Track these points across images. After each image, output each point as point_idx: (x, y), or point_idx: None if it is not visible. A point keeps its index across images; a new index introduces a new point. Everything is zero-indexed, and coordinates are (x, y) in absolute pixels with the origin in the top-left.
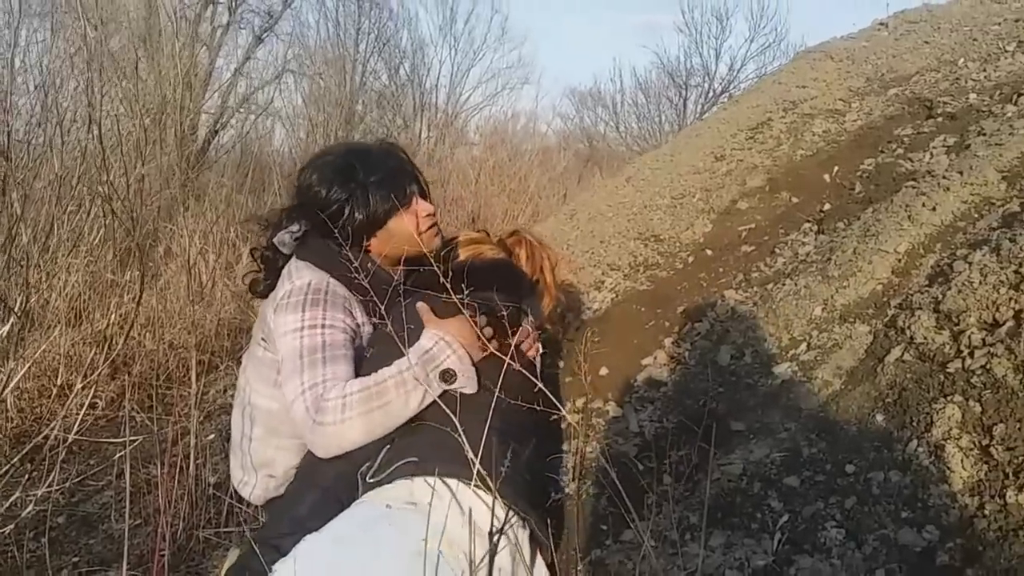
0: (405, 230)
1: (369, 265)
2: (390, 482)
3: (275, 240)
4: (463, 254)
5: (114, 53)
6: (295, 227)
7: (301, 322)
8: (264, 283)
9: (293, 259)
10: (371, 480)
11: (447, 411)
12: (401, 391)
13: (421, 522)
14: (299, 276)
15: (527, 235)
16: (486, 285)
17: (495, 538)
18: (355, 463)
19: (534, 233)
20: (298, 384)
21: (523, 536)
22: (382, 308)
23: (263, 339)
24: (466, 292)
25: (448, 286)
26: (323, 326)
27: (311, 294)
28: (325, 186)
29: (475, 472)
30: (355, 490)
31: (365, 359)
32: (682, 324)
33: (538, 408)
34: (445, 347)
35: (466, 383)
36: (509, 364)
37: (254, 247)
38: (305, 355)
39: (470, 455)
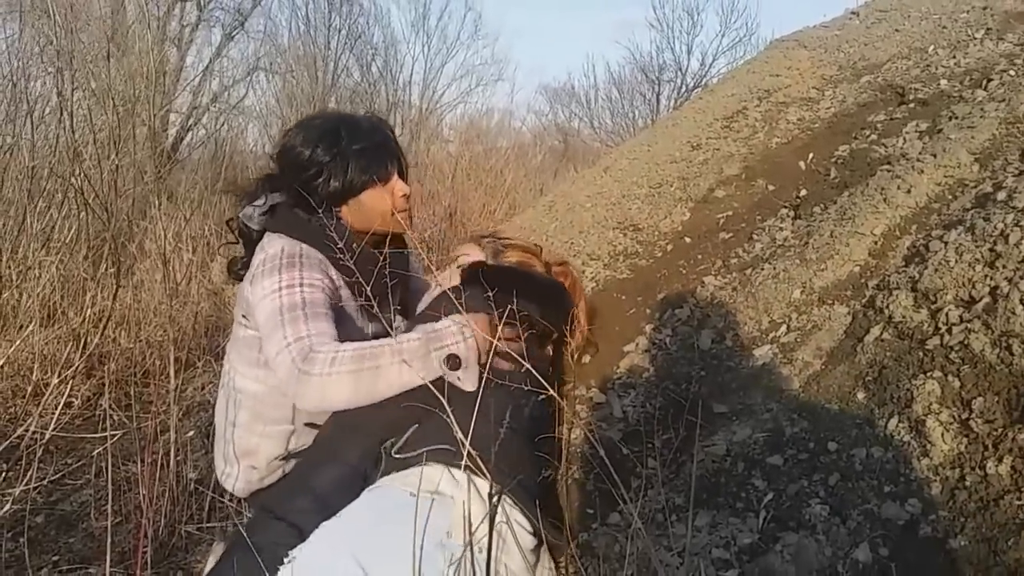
0: (378, 205)
1: (344, 232)
2: (416, 464)
3: (241, 214)
4: (513, 257)
5: (83, 47)
6: (261, 200)
7: (279, 284)
8: (241, 261)
9: (265, 233)
10: (396, 455)
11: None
12: (396, 359)
13: (444, 514)
14: (271, 246)
15: (574, 271)
16: (537, 297)
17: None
18: (380, 439)
19: (576, 271)
20: (281, 338)
21: (544, 554)
22: (352, 265)
23: (243, 316)
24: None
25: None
26: (301, 285)
27: (285, 258)
28: (308, 147)
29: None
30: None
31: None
32: (663, 311)
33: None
34: (457, 332)
35: (466, 377)
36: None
37: (230, 218)
38: (285, 312)
39: (472, 455)
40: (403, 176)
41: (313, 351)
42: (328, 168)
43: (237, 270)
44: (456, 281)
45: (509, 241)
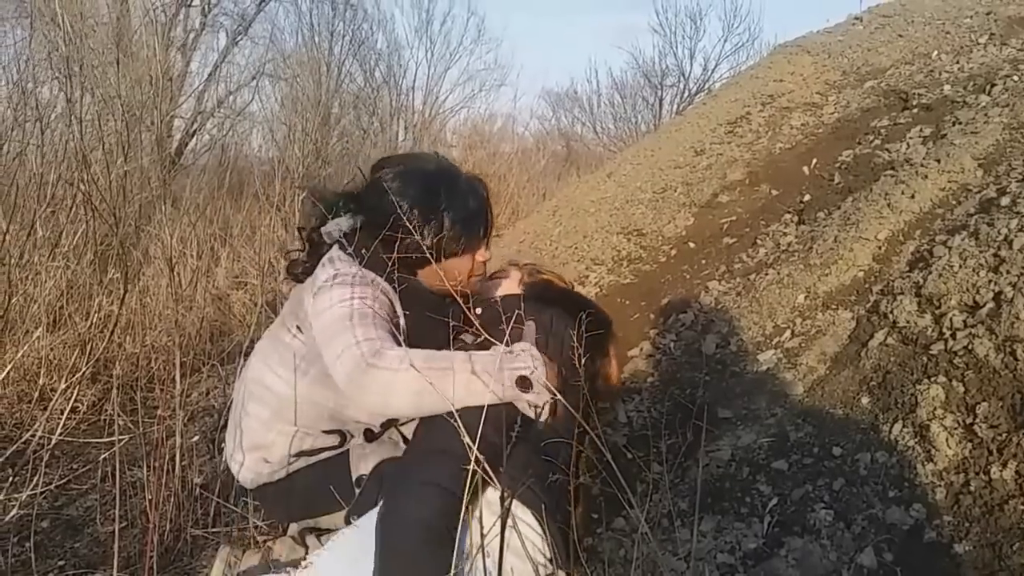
0: (459, 271)
1: (420, 288)
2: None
3: (324, 230)
4: (548, 277)
5: (91, 53)
6: (346, 224)
7: (352, 295)
8: (304, 265)
9: (335, 248)
10: None
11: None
12: (466, 367)
13: (464, 538)
14: (344, 266)
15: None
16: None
17: None
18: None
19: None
20: (351, 337)
21: None
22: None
23: (298, 327)
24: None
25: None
26: (375, 299)
27: (360, 278)
28: (406, 201)
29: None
30: None
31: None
32: (667, 316)
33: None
34: (531, 358)
35: (539, 401)
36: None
37: (302, 226)
38: (356, 317)
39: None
40: (488, 239)
41: (383, 348)
42: (420, 230)
43: (297, 272)
44: (509, 289)
45: (541, 267)
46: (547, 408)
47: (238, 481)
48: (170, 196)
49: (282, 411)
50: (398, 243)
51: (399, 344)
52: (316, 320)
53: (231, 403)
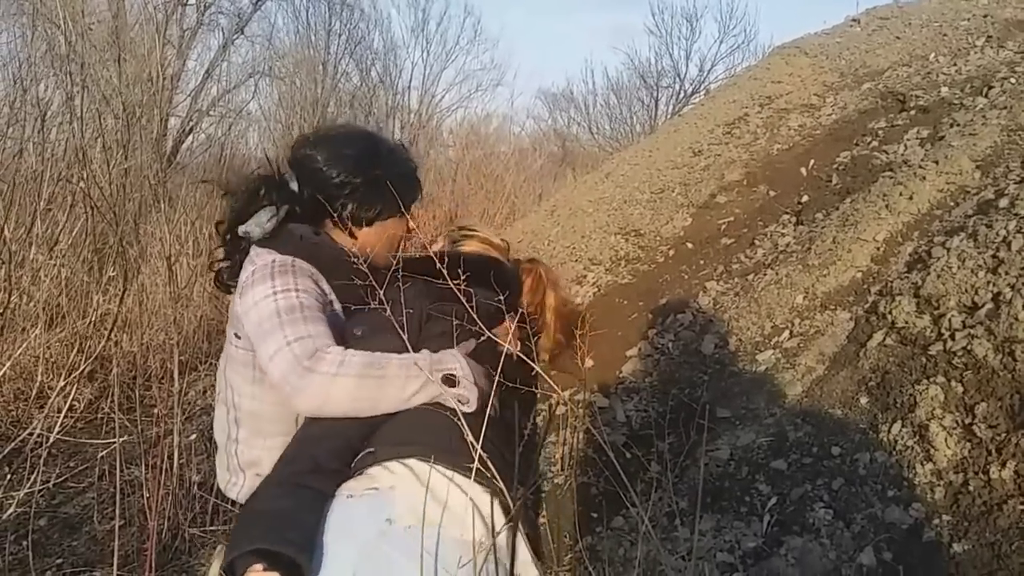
0: (395, 233)
1: (340, 252)
2: (361, 469)
3: (240, 230)
4: (471, 247)
5: (91, 50)
6: (265, 217)
7: (272, 289)
8: (230, 271)
9: (252, 247)
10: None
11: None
12: (402, 371)
13: (383, 504)
14: (260, 258)
15: (542, 268)
16: (475, 279)
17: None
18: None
19: (552, 271)
20: (280, 338)
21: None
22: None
23: (236, 335)
24: (462, 280)
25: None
26: (296, 290)
27: (277, 267)
28: (337, 167)
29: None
30: None
31: (355, 337)
32: (665, 316)
33: (522, 388)
34: (454, 358)
35: (467, 394)
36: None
37: (219, 220)
38: (283, 314)
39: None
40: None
41: (320, 351)
42: (360, 191)
43: (225, 280)
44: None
45: (472, 232)
46: (475, 399)
47: (237, 501)
48: (167, 194)
49: (257, 427)
50: (334, 208)
51: (331, 336)
52: (246, 320)
53: (214, 432)
